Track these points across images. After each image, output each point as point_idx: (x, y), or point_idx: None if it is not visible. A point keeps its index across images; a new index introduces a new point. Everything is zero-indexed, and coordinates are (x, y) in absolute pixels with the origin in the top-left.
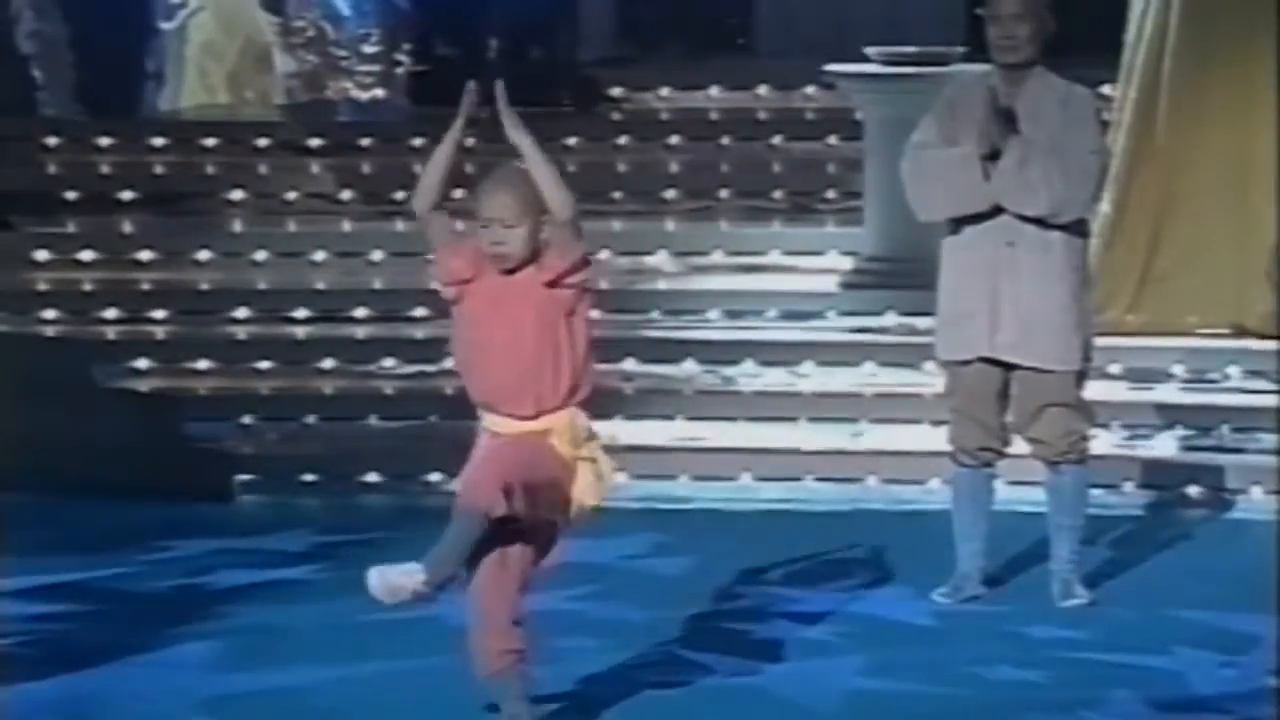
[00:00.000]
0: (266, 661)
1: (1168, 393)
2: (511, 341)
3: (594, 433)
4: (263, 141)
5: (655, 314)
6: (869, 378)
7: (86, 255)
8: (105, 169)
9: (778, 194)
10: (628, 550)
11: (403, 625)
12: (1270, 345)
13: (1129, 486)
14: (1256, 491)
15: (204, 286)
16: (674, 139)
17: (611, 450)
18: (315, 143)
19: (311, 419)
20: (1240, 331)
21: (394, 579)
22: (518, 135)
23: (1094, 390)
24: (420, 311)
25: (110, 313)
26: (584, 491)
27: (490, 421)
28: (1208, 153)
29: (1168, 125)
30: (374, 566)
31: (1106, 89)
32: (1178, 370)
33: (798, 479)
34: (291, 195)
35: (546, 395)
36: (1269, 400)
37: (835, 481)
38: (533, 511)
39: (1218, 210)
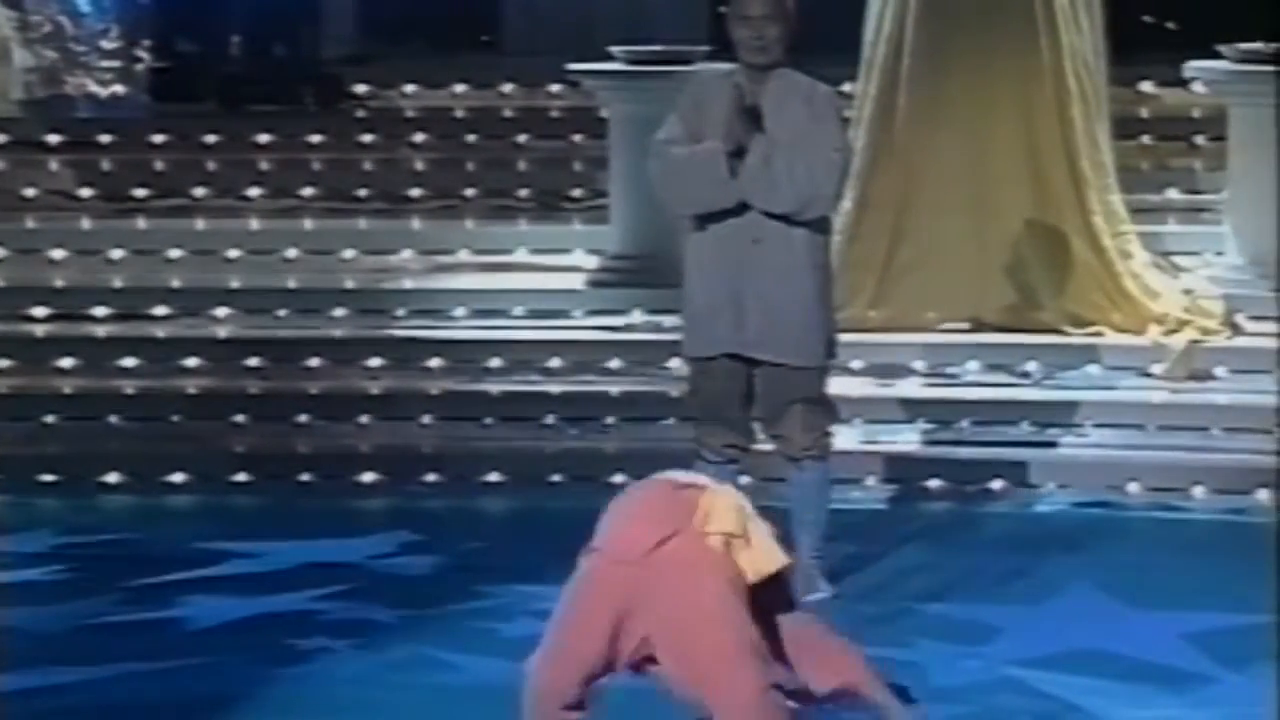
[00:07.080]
0: (7, 663)
1: (909, 388)
2: None
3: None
4: (0, 137)
5: (401, 313)
6: (615, 376)
7: None
8: None
9: (524, 192)
10: (376, 550)
11: (145, 627)
12: (1008, 339)
13: (871, 481)
14: (996, 484)
15: None
16: (419, 137)
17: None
18: (54, 139)
19: (51, 418)
20: (979, 325)
21: None
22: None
23: (837, 386)
24: (161, 310)
25: None
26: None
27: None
28: (946, 149)
29: (907, 122)
30: None
31: (847, 86)
32: (919, 365)
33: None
34: (30, 192)
35: None
36: (1008, 393)
37: (582, 480)
38: None
39: (956, 206)
